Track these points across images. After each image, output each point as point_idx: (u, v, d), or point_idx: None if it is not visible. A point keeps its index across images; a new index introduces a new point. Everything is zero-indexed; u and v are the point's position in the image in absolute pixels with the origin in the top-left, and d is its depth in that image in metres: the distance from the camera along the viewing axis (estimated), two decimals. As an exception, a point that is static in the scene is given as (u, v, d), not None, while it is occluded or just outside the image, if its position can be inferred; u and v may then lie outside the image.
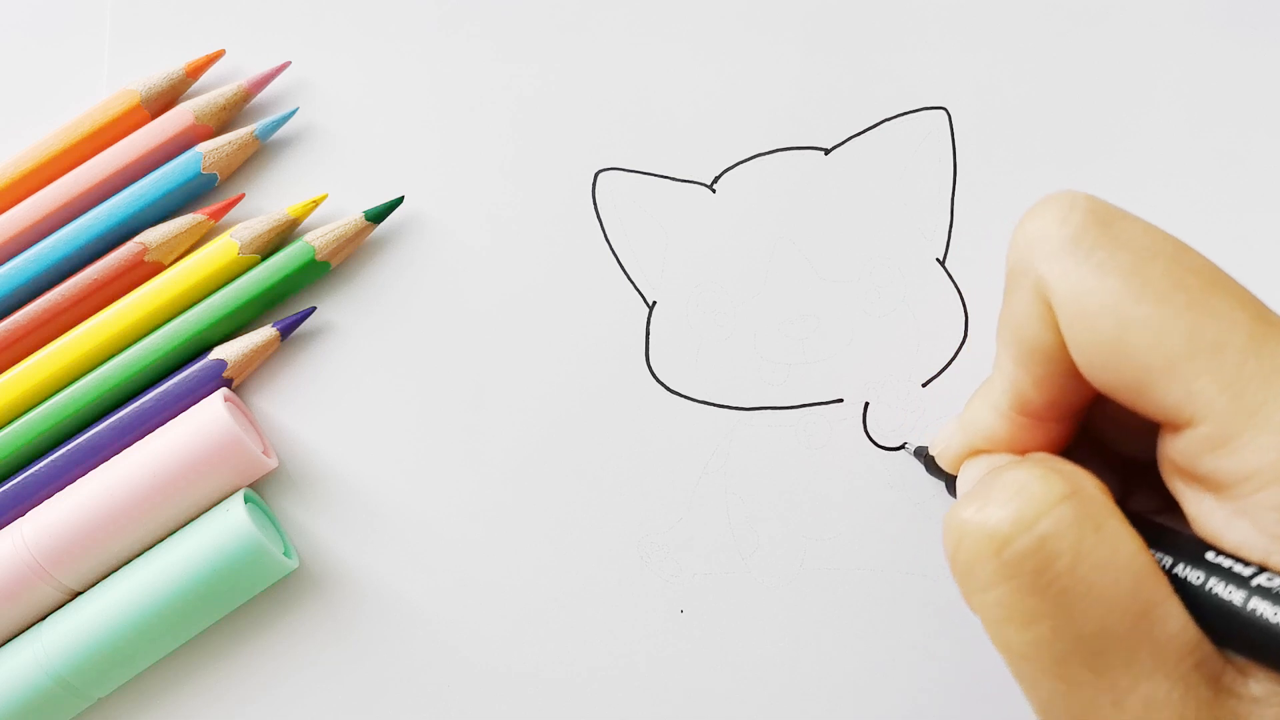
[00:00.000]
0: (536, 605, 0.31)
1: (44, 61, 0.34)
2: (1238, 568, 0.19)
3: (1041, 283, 0.21)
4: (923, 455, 0.30)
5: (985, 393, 0.24)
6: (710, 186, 0.32)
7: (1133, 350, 0.19)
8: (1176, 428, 0.20)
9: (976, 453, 0.25)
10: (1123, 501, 0.23)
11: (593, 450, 0.31)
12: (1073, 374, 0.21)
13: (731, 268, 0.32)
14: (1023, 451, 0.23)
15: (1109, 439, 0.24)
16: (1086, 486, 0.20)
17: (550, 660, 0.30)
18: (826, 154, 0.32)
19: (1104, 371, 0.20)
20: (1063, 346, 0.21)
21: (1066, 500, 0.19)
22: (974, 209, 0.32)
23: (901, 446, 0.31)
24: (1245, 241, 0.31)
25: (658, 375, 0.32)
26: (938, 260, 0.32)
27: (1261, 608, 0.18)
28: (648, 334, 0.32)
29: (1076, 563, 0.19)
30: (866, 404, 0.31)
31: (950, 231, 0.32)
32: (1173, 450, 0.20)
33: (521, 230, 0.32)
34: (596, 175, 0.33)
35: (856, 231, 0.32)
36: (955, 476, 0.26)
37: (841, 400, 0.31)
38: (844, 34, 0.33)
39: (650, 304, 0.32)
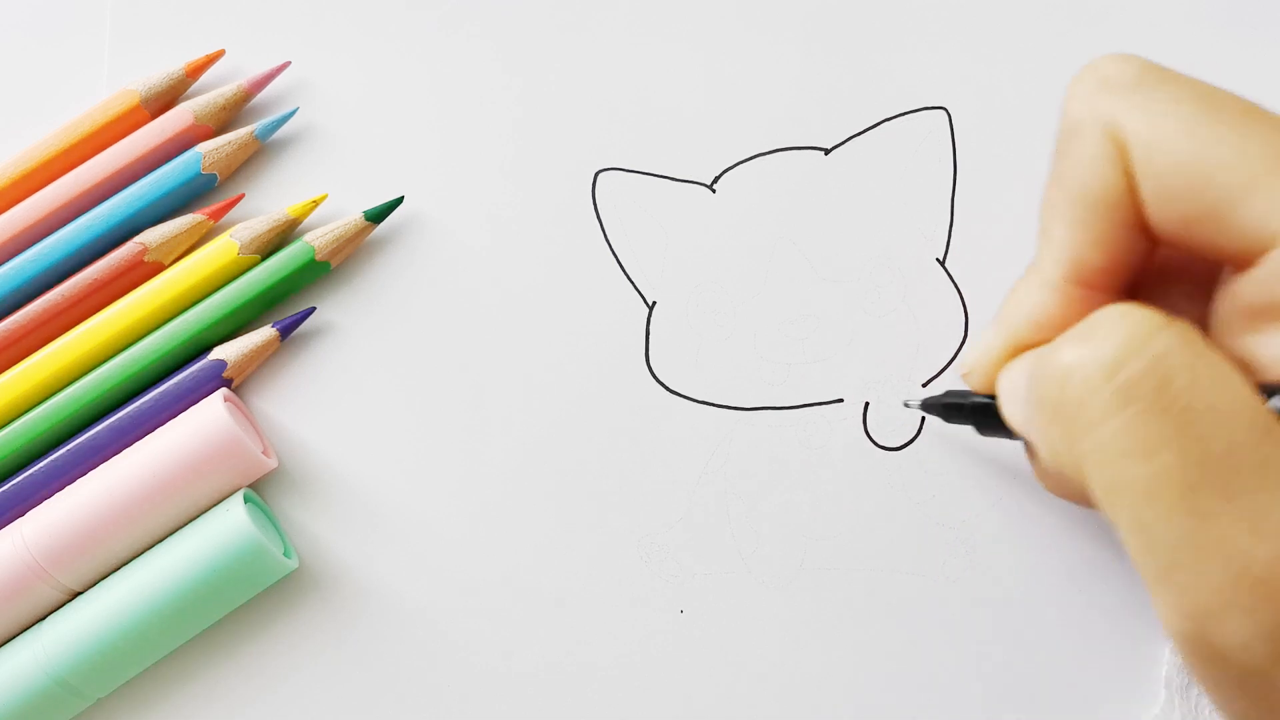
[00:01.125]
0: (536, 605, 0.31)
1: (44, 61, 0.34)
2: None
3: (1112, 121, 0.20)
4: (935, 404, 0.28)
5: (1031, 275, 0.23)
6: (710, 186, 0.32)
7: (1213, 170, 0.19)
8: (1251, 258, 0.19)
9: (1020, 350, 0.23)
10: None
11: (593, 450, 0.31)
12: (1136, 226, 0.21)
13: (731, 268, 0.32)
14: None
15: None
16: (1180, 320, 0.19)
17: (550, 660, 0.30)
18: (826, 154, 0.32)
19: (1180, 203, 0.19)
20: (1129, 193, 0.20)
21: (1171, 326, 0.18)
22: (974, 209, 0.32)
23: (909, 443, 0.31)
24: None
25: (658, 375, 0.32)
26: (938, 260, 0.32)
27: None
28: (648, 334, 0.32)
29: (1195, 380, 0.18)
30: (866, 404, 0.31)
31: (950, 231, 0.32)
32: (1246, 288, 0.19)
33: (521, 230, 0.32)
34: (596, 175, 0.33)
35: (856, 231, 0.32)
36: (989, 400, 0.25)
37: (841, 400, 0.31)
38: (844, 34, 0.33)
39: (650, 304, 0.32)
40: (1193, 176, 0.19)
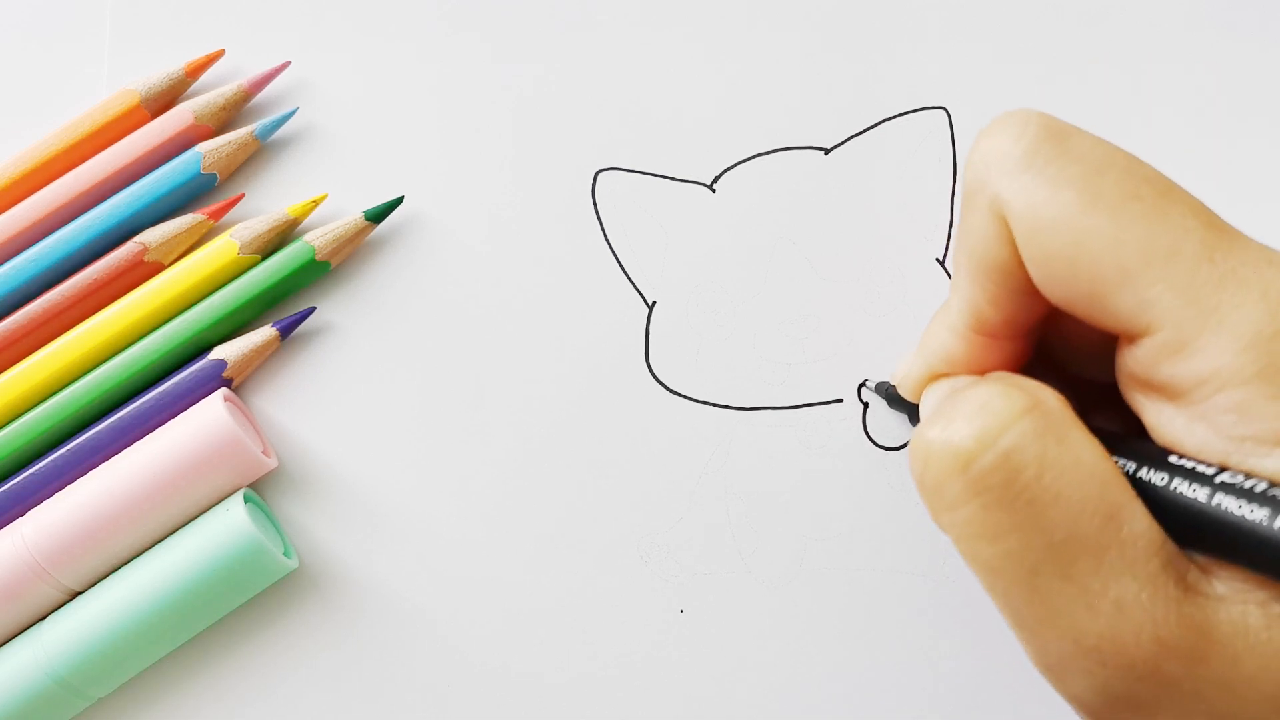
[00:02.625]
0: (536, 605, 0.31)
1: (44, 61, 0.34)
2: (1200, 467, 0.19)
3: (997, 199, 0.21)
4: (884, 390, 0.30)
5: (942, 316, 0.24)
6: (710, 186, 0.32)
7: (1088, 261, 0.20)
8: (1133, 337, 0.20)
9: (937, 377, 0.25)
10: (1082, 419, 0.23)
11: (593, 450, 0.31)
12: (1028, 290, 0.21)
13: (731, 268, 0.32)
14: (981, 372, 0.24)
15: (1065, 360, 0.25)
16: (1047, 399, 0.20)
17: (550, 660, 0.30)
18: (826, 154, 0.32)
19: (1060, 284, 0.20)
20: (1018, 262, 0.21)
21: (1028, 413, 0.19)
22: (974, 209, 0.32)
23: (909, 443, 0.31)
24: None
25: (658, 375, 0.32)
26: (938, 260, 0.32)
27: (1226, 503, 0.18)
28: (648, 334, 0.32)
29: (1041, 473, 0.19)
30: (866, 404, 0.31)
31: (950, 231, 0.32)
32: (1130, 360, 0.20)
33: (521, 230, 0.32)
34: (596, 175, 0.33)
35: (856, 231, 0.32)
36: (917, 405, 0.26)
37: (841, 400, 0.31)
38: (844, 34, 0.33)
39: (650, 304, 0.32)
40: (1070, 265, 0.20)
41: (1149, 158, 0.32)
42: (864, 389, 0.31)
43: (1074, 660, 0.19)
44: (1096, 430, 0.21)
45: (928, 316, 0.31)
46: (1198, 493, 0.19)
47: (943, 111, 0.32)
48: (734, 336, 0.32)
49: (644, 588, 0.31)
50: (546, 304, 0.32)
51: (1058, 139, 0.21)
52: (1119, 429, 0.22)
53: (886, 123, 0.32)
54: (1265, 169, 0.32)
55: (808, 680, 0.30)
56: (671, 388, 0.32)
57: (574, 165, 0.33)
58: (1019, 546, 0.19)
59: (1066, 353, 0.25)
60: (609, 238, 0.32)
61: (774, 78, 0.33)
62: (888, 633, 0.30)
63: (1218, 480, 0.18)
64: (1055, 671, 0.20)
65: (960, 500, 0.20)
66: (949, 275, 0.32)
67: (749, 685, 0.30)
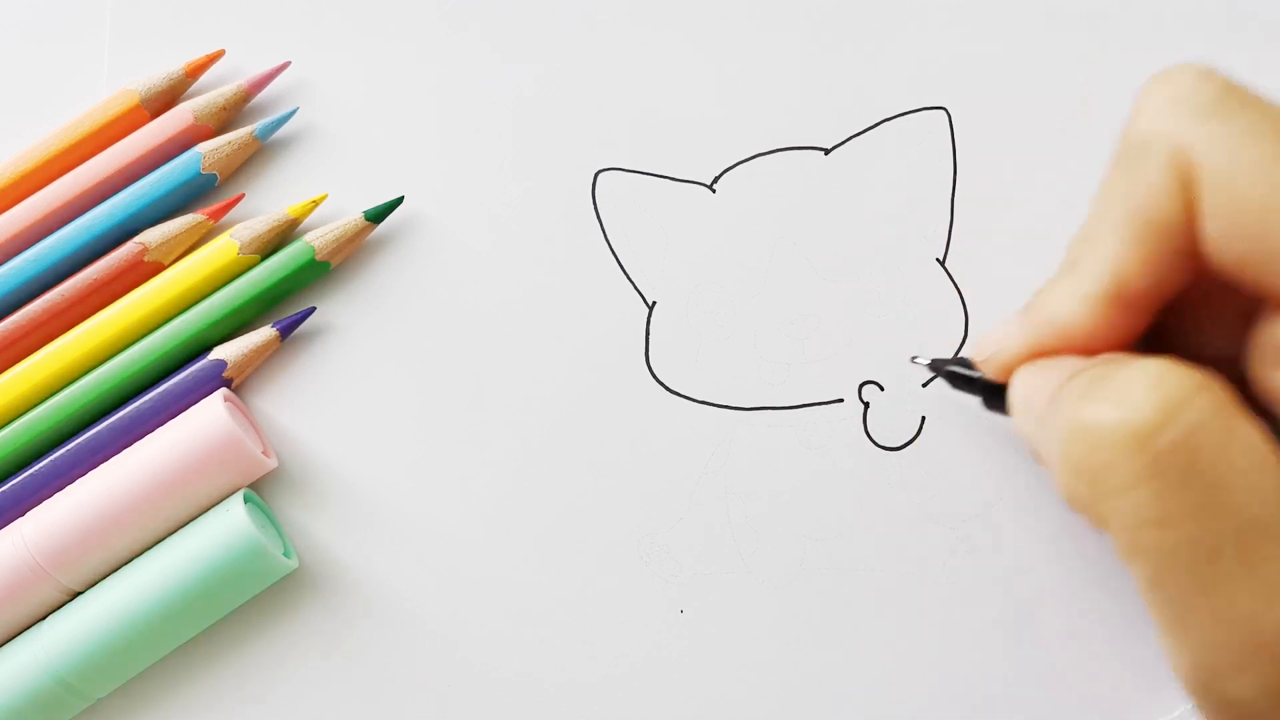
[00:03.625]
0: (536, 605, 0.31)
1: (44, 61, 0.34)
2: None
3: (1180, 147, 0.20)
4: (946, 369, 0.27)
5: (1069, 283, 0.22)
6: (710, 186, 0.32)
7: None
8: None
9: (1039, 355, 0.23)
10: None
11: (593, 450, 0.31)
12: (1189, 254, 0.20)
13: (731, 268, 0.32)
14: (1094, 352, 0.22)
15: (1175, 341, 0.23)
16: (1214, 380, 0.19)
17: (550, 660, 0.30)
18: (826, 154, 0.32)
19: (1245, 240, 0.19)
20: (1187, 220, 0.20)
21: (1205, 390, 0.18)
22: (974, 209, 0.32)
23: (909, 443, 0.31)
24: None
25: (658, 375, 0.32)
26: (938, 260, 0.32)
27: None
28: (648, 334, 0.32)
29: (1223, 451, 0.18)
30: (866, 404, 0.31)
31: (950, 231, 0.32)
32: None
33: (521, 230, 0.32)
34: (596, 175, 0.33)
35: (856, 231, 0.32)
36: (1000, 386, 0.24)
37: (841, 400, 0.31)
38: (844, 34, 0.33)
39: (650, 304, 0.32)
40: (1261, 221, 0.19)
41: (1149, 158, 0.32)
42: (915, 361, 0.29)
43: (1246, 657, 0.18)
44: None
45: (928, 316, 0.31)
46: None
47: (943, 111, 0.32)
48: (734, 336, 0.32)
49: (644, 588, 0.31)
50: (546, 304, 0.32)
51: (1242, 90, 0.19)
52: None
53: (886, 123, 0.32)
54: (1265, 169, 0.32)
55: (808, 680, 0.30)
56: (671, 388, 0.32)
57: (574, 165, 0.33)
58: (1198, 532, 0.18)
59: (1180, 332, 0.23)
60: (609, 238, 0.32)
61: (774, 78, 0.33)
62: (888, 633, 0.30)
63: None
64: (1218, 672, 0.19)
65: (1133, 482, 0.18)
66: (949, 275, 0.32)
67: (749, 685, 0.30)
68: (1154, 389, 0.18)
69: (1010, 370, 0.24)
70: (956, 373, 0.26)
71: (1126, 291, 0.21)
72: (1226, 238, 0.19)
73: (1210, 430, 0.18)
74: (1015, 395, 0.24)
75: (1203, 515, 0.18)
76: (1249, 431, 0.18)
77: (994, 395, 0.26)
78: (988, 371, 0.25)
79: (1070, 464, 0.19)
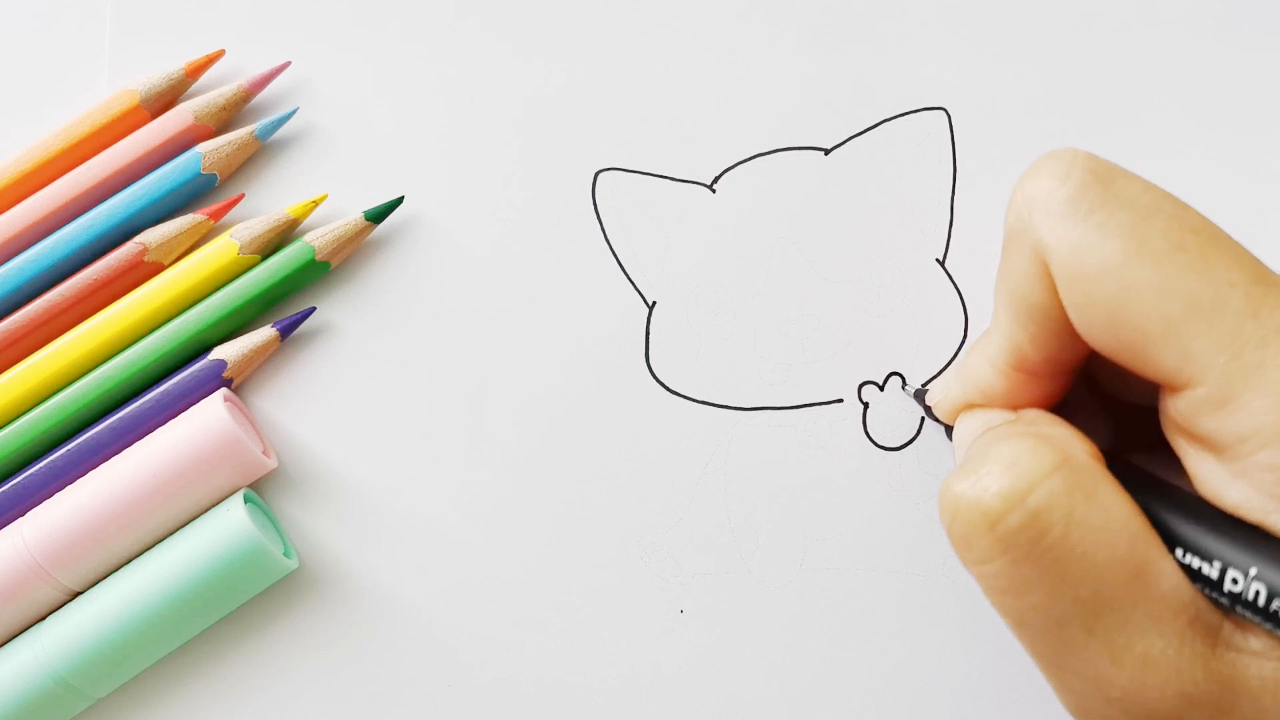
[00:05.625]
0: (536, 605, 0.31)
1: (44, 61, 0.34)
2: (1235, 527, 0.19)
3: (1040, 244, 0.21)
4: (920, 398, 0.30)
5: (983, 348, 0.24)
6: (710, 186, 0.32)
7: (1131, 313, 0.19)
8: (1175, 388, 0.20)
9: (972, 406, 0.25)
10: (1118, 447, 0.23)
11: (593, 450, 0.31)
12: (1069, 333, 0.21)
13: (731, 268, 0.32)
14: (1018, 406, 0.24)
15: (1108, 387, 0.24)
16: (1077, 454, 0.20)
17: (550, 660, 0.30)
18: (826, 154, 0.32)
19: (1102, 333, 0.20)
20: (1060, 307, 0.21)
21: (1057, 471, 0.19)
22: (974, 209, 0.32)
23: (909, 443, 0.31)
24: (1246, 242, 0.31)
25: (658, 375, 0.32)
26: (938, 260, 0.32)
27: (1258, 567, 0.18)
28: (648, 334, 0.32)
29: (1069, 532, 0.19)
30: (866, 404, 0.31)
31: (950, 231, 0.32)
32: (1172, 409, 0.20)
33: (521, 230, 0.32)
34: (596, 175, 0.33)
35: (856, 231, 0.32)
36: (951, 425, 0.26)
37: (841, 400, 0.31)
38: (844, 34, 0.33)
39: (650, 304, 0.32)
40: (1112, 314, 0.20)
41: (1149, 157, 0.32)
42: (905, 390, 0.31)
43: (1099, 709, 0.20)
44: (1136, 473, 0.20)
45: (928, 316, 0.31)
46: (1229, 553, 0.19)
47: (943, 112, 0.32)
48: (734, 336, 0.32)
49: (644, 588, 0.31)
50: (547, 304, 0.32)
51: (1103, 183, 0.20)
52: (1156, 443, 0.22)
53: (886, 123, 0.32)
54: (1265, 168, 0.32)
55: (808, 680, 0.30)
56: (671, 388, 0.32)
57: (574, 165, 0.33)
58: (1045, 601, 0.20)
59: (1107, 378, 0.24)
60: (609, 238, 0.32)
61: (774, 78, 0.33)
62: (888, 633, 0.30)
63: (1247, 542, 0.18)
64: (1079, 715, 0.20)
65: (987, 555, 0.20)
66: (949, 275, 0.32)
67: (749, 685, 0.30)
68: (1006, 472, 0.20)
69: (953, 416, 0.26)
70: (929, 407, 0.28)
71: (1024, 363, 0.23)
72: (1087, 328, 0.21)
73: (1057, 511, 0.19)
74: (955, 439, 0.26)
75: (1047, 588, 0.19)
76: (1100, 510, 0.19)
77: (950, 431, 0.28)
78: (939, 414, 0.27)
79: (944, 526, 0.21)
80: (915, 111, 0.32)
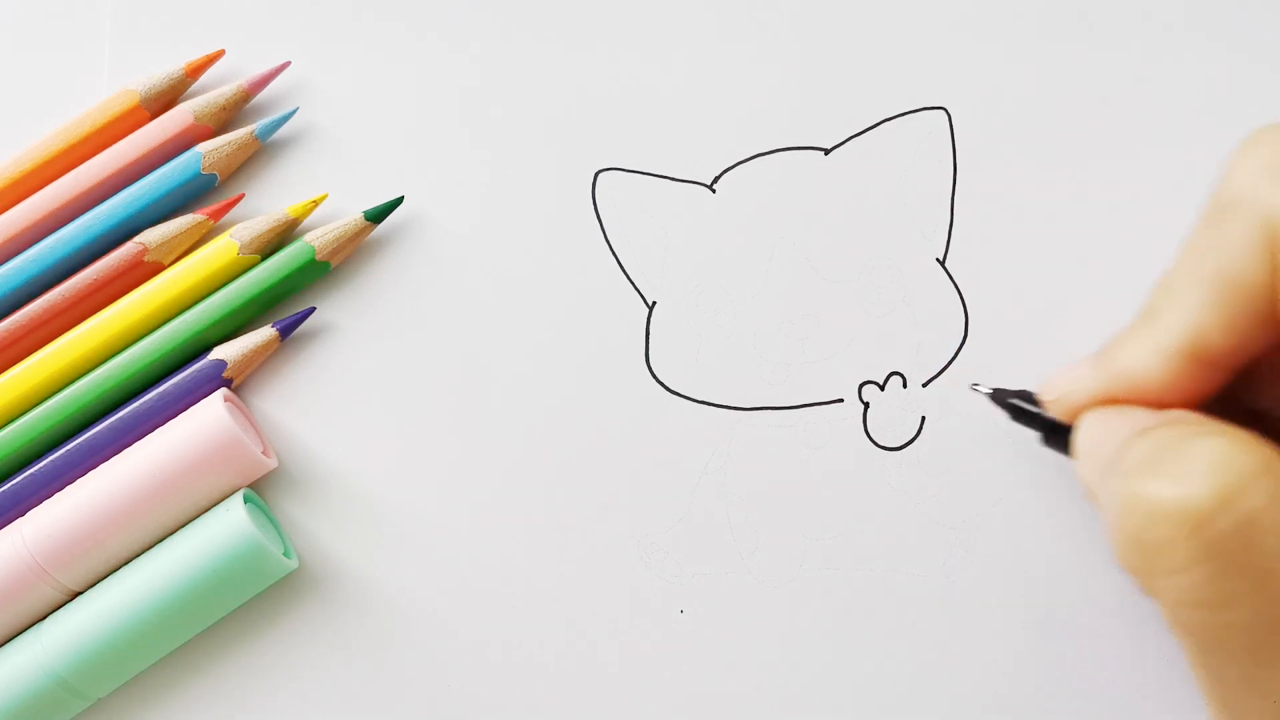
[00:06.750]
0: (536, 605, 0.31)
1: (44, 61, 0.34)
2: None
3: (1271, 217, 0.19)
4: (1009, 401, 0.27)
5: (1146, 334, 0.22)
6: (710, 186, 0.32)
7: None
8: None
9: (1108, 402, 0.23)
10: None
11: (592, 450, 0.31)
12: (1271, 319, 0.20)
13: (731, 268, 0.32)
14: (1166, 406, 0.22)
15: (1248, 395, 0.23)
16: (1277, 457, 0.18)
17: (550, 660, 0.30)
18: (826, 154, 0.32)
19: None
20: (1273, 287, 0.19)
21: (1267, 474, 0.18)
22: (974, 209, 0.32)
23: (909, 443, 0.31)
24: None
25: (658, 375, 0.32)
26: (938, 260, 0.32)
27: None
28: (648, 334, 0.32)
29: None
30: (866, 404, 0.31)
31: (950, 231, 0.32)
32: None
33: (521, 230, 0.32)
34: (596, 175, 0.33)
35: (856, 231, 0.32)
36: (1064, 426, 0.24)
37: (841, 400, 0.31)
38: (844, 34, 0.33)
39: (650, 304, 0.32)
40: None
41: (1149, 157, 0.32)
42: (976, 389, 0.29)
43: None
44: None
45: (928, 316, 0.31)
46: None
47: (943, 111, 0.32)
48: (734, 336, 0.32)
49: (644, 588, 0.31)
50: (546, 304, 0.32)
51: None
52: None
53: (886, 123, 0.32)
54: (1265, 169, 0.32)
55: (807, 680, 0.30)
56: (671, 388, 0.32)
57: (574, 165, 0.33)
58: (1249, 617, 0.18)
59: (1259, 389, 0.23)
60: (609, 238, 0.32)
61: (774, 78, 0.33)
62: (888, 633, 0.30)
63: None
64: None
65: (1188, 564, 0.18)
66: (949, 275, 0.32)
67: (749, 685, 0.30)
68: (1215, 471, 0.18)
69: (1077, 413, 0.24)
70: (1019, 406, 0.26)
71: (1205, 350, 0.21)
72: None
73: (1269, 516, 0.18)
74: (1080, 440, 0.23)
75: (1255, 601, 0.18)
76: None
77: (1056, 434, 0.25)
78: (1055, 411, 0.25)
79: (1125, 534, 0.19)
80: (915, 111, 0.32)
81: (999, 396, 0.28)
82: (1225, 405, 0.22)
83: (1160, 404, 0.22)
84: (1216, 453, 0.18)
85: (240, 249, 0.32)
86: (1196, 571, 0.18)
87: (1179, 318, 0.21)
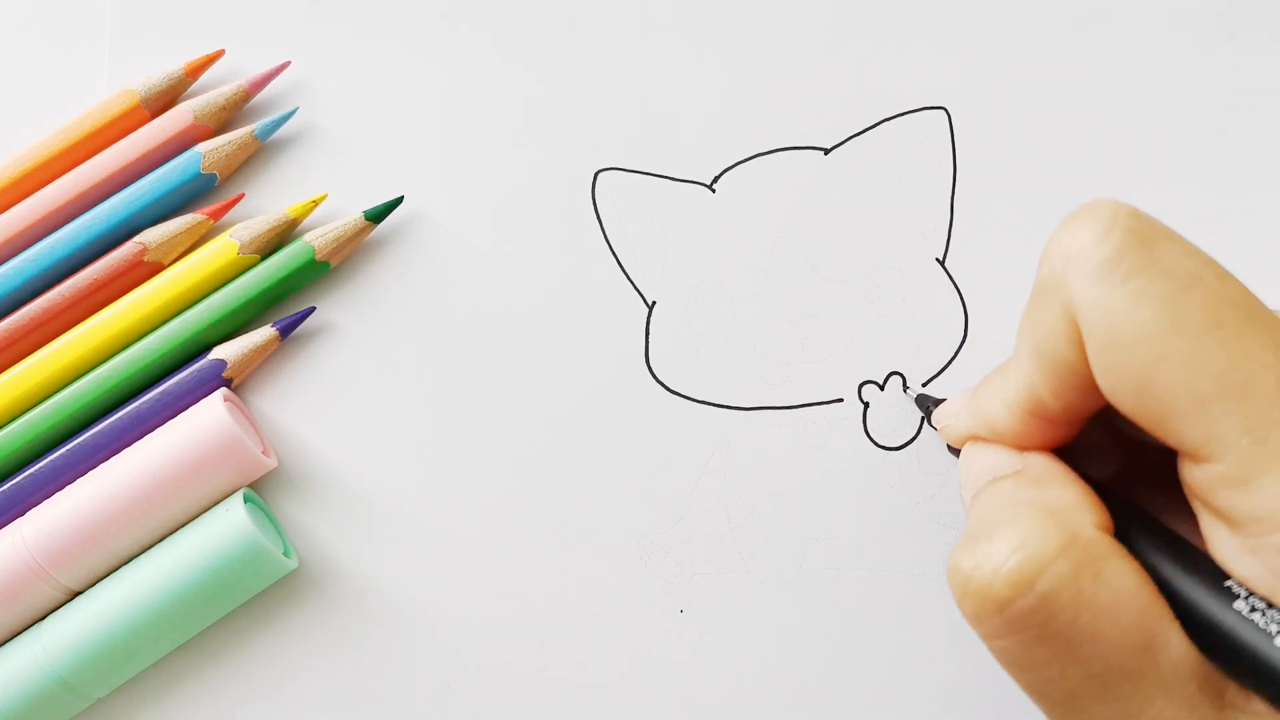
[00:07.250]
0: (536, 605, 0.31)
1: (44, 61, 0.34)
2: (1246, 602, 0.19)
3: (1072, 303, 0.20)
4: (925, 408, 0.30)
5: (999, 387, 0.24)
6: (710, 186, 0.32)
7: (1161, 384, 0.19)
8: (1195, 460, 0.20)
9: (978, 439, 0.25)
10: (1126, 478, 0.22)
11: (593, 450, 0.31)
12: (1091, 388, 0.21)
13: (731, 268, 0.32)
14: (1027, 447, 0.23)
15: (1118, 421, 0.24)
16: (1084, 529, 0.20)
17: (550, 660, 0.30)
18: (826, 154, 0.32)
19: (1127, 398, 0.20)
20: (1086, 364, 0.21)
21: (1064, 553, 0.20)
22: (974, 209, 0.32)
23: (909, 443, 0.31)
24: (1245, 242, 0.31)
25: (658, 375, 0.32)
26: (938, 260, 0.32)
27: (1260, 641, 0.18)
28: (648, 334, 0.32)
29: (1078, 614, 0.19)
30: (866, 404, 0.31)
31: (950, 231, 0.32)
32: (1189, 476, 0.20)
33: (521, 230, 0.32)
34: (596, 175, 0.33)
35: (856, 231, 0.32)
36: (957, 450, 0.26)
37: (841, 400, 0.31)
38: (844, 34, 0.33)
39: (650, 304, 0.32)
40: (1141, 383, 0.20)
41: (1148, 157, 0.32)
42: (907, 394, 0.31)
43: None
44: (1142, 523, 0.21)
45: (928, 316, 0.31)
46: (1239, 626, 0.19)
47: (943, 111, 0.32)
48: (734, 336, 0.32)
49: (644, 588, 0.31)
50: (546, 304, 0.32)
51: (1145, 245, 0.20)
52: (1165, 512, 0.22)
53: (886, 123, 0.32)
54: (1263, 166, 0.32)
55: (807, 680, 0.30)
56: (671, 388, 0.32)
57: (574, 165, 0.33)
58: (1057, 675, 0.20)
59: (1124, 419, 0.24)
60: (609, 238, 0.32)
61: (774, 78, 0.33)
62: (887, 633, 0.30)
63: (1256, 616, 0.19)
64: None
65: (998, 634, 0.20)
66: (949, 275, 0.32)
67: (749, 685, 0.30)
68: (1014, 554, 0.20)
69: (961, 443, 0.25)
70: (930, 423, 0.28)
71: (1041, 410, 0.23)
72: (1113, 391, 0.20)
73: (1064, 595, 0.19)
74: (962, 473, 0.25)
75: (1060, 664, 0.20)
76: (1109, 588, 0.19)
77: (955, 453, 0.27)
78: (946, 439, 0.27)
79: (956, 602, 0.21)
80: (915, 111, 0.32)
81: (921, 403, 0.30)
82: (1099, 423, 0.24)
83: (1023, 447, 0.24)
84: (1018, 536, 0.20)
85: (240, 249, 0.32)
86: (1007, 640, 0.20)
87: (1020, 380, 0.23)
